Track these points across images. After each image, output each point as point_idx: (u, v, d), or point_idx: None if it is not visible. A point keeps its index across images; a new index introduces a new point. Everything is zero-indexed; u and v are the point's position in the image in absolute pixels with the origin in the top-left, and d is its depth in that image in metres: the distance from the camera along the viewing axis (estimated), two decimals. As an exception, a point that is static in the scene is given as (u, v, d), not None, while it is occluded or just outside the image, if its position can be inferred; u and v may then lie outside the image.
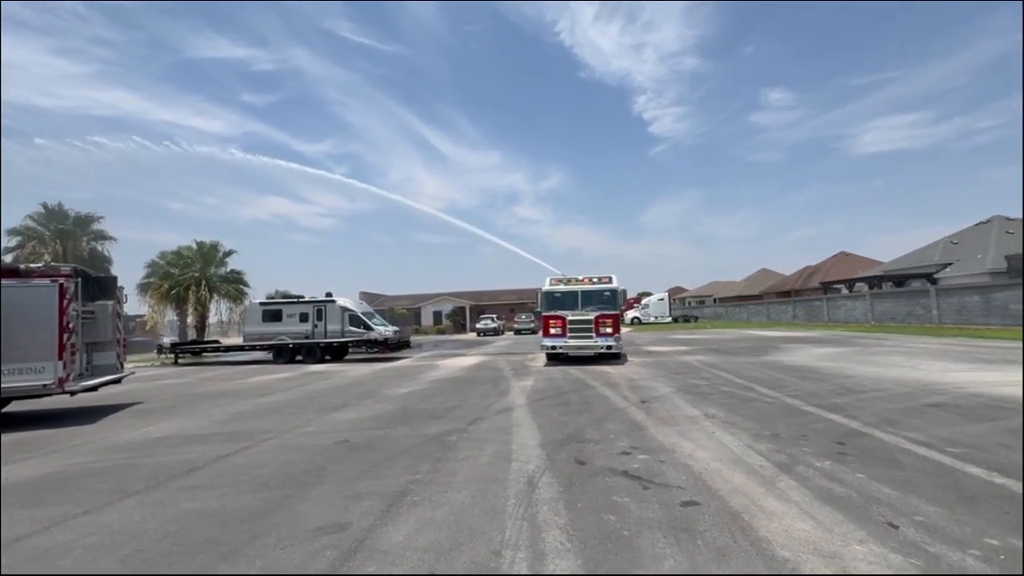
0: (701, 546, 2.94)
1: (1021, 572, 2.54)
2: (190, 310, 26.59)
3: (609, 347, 14.06)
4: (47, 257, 23.56)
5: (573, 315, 14.47)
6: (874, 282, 37.64)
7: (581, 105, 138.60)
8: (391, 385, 11.18)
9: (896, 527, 3.10)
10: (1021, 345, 13.26)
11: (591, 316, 14.33)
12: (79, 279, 8.17)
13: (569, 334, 14.38)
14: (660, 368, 12.35)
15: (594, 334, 14.24)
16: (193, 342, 23.03)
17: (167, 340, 36.55)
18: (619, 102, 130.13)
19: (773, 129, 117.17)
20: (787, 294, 54.56)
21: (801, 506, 3.49)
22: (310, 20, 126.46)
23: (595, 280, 15.12)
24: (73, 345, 7.87)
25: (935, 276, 32.45)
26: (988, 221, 35.04)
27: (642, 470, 4.42)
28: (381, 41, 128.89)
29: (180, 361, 21.24)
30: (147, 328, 28.48)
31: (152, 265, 29.91)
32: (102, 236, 27.31)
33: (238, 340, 27.27)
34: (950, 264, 32.77)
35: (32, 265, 7.83)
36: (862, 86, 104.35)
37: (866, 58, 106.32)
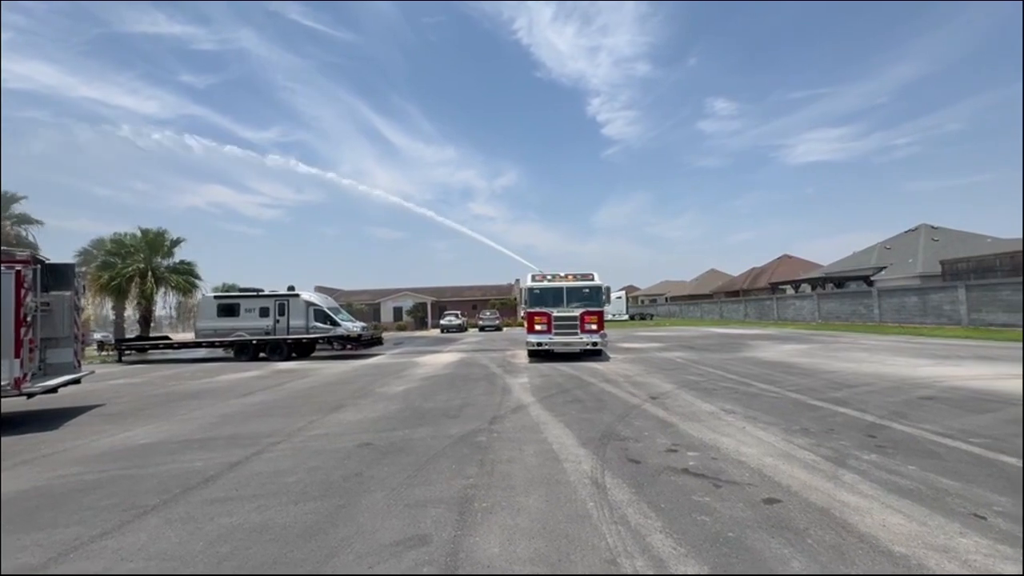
0: (813, 544, 2.90)
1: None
2: (132, 303, 24.40)
3: (595, 344, 14.12)
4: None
5: (559, 312, 14.42)
6: (817, 283, 40.24)
7: (537, 104, 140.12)
8: (380, 383, 10.68)
9: (983, 518, 3.19)
10: (1021, 345, 14.08)
11: (577, 313, 14.34)
12: (38, 266, 7.19)
13: (555, 331, 14.33)
14: (647, 365, 12.53)
15: (579, 331, 14.27)
16: (141, 338, 21.14)
17: (98, 336, 33.53)
18: (574, 103, 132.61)
19: (717, 137, 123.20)
20: (736, 294, 57.40)
21: (879, 500, 3.53)
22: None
23: (578, 277, 15.14)
24: (31, 341, 6.91)
25: (871, 278, 35.12)
26: (916, 229, 38.29)
27: (701, 467, 4.37)
28: (333, 27, 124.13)
29: (125, 359, 19.44)
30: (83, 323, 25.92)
31: (84, 253, 27.26)
32: (25, 220, 24.53)
33: (185, 335, 25.41)
34: (885, 268, 35.57)
35: (-19, 249, 6.80)
36: (797, 100, 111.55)
37: (800, 75, 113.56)
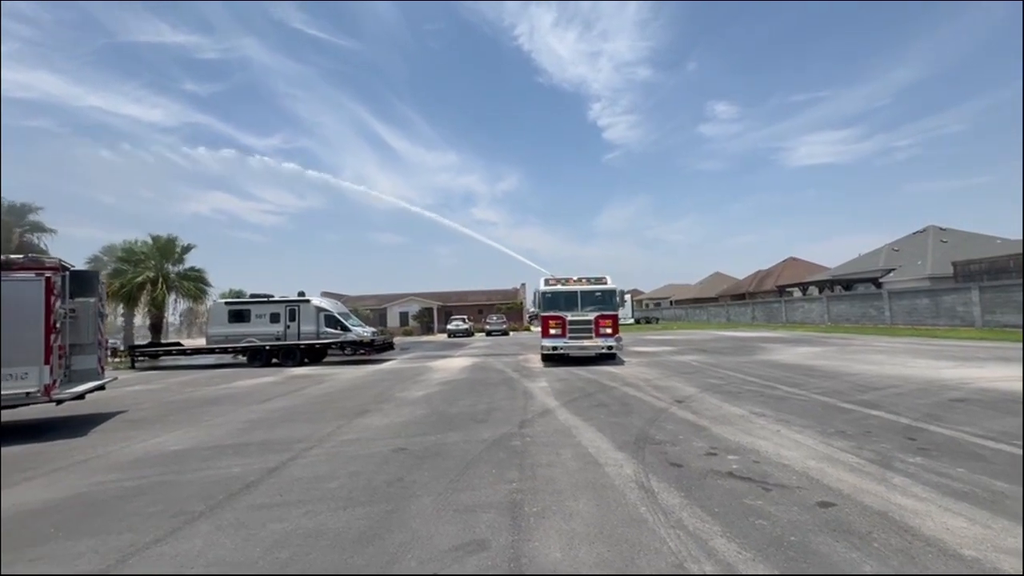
0: (881, 548, 2.87)
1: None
2: (143, 310, 24.49)
3: (610, 347, 14.09)
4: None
5: (573, 315, 14.40)
6: (824, 286, 40.11)
7: (538, 109, 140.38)
8: (399, 388, 10.66)
9: (1048, 520, 3.16)
10: (1022, 346, 14.10)
11: (591, 316, 14.32)
12: (66, 273, 7.22)
13: (569, 335, 14.30)
14: (664, 368, 12.48)
15: (594, 334, 14.23)
16: (154, 344, 21.19)
17: (109, 342, 33.68)
18: (575, 108, 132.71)
19: (718, 140, 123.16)
20: (741, 296, 57.24)
21: (936, 503, 3.50)
22: (260, 9, 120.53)
23: (591, 280, 15.12)
24: (60, 347, 6.94)
25: (880, 280, 34.99)
26: (924, 231, 38.15)
27: (745, 471, 4.34)
28: (335, 35, 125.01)
29: (137, 365, 19.49)
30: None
31: (94, 260, 27.40)
32: (39, 228, 24.68)
33: (193, 342, 25.50)
34: (893, 269, 35.42)
35: (13, 256, 6.83)
36: (797, 103, 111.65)
37: (800, 78, 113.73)
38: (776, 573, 2.63)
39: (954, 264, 26.53)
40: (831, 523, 3.23)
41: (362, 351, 18.73)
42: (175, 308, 25.62)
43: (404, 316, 50.75)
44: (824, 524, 3.21)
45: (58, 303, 6.92)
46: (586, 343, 14.18)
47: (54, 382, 6.81)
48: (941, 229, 37.24)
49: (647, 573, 2.69)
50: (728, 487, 3.96)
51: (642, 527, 3.27)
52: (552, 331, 14.44)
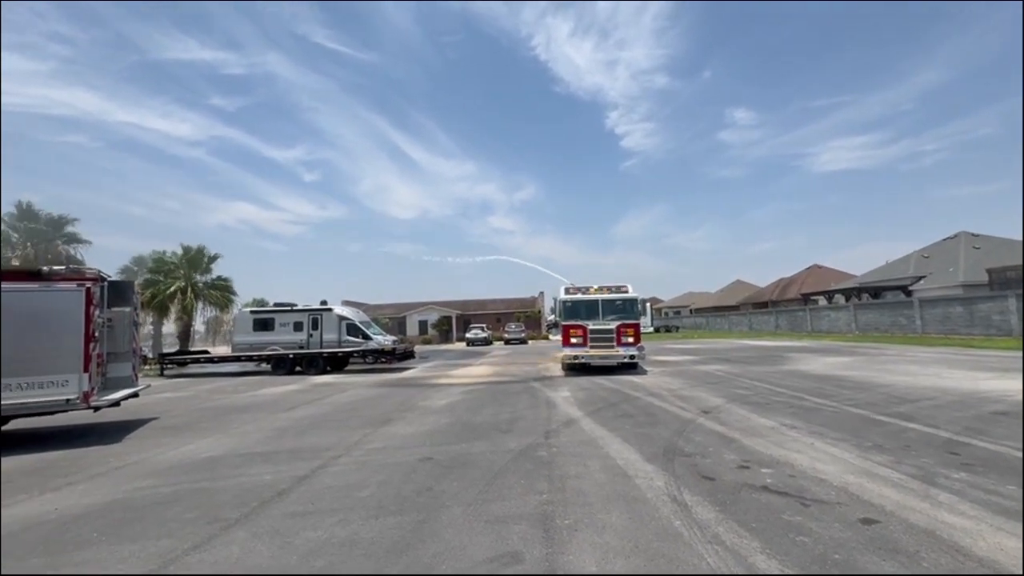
0: (931, 568, 2.76)
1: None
2: (172, 319, 25.18)
3: (632, 357, 13.93)
4: (16, 261, 21.91)
5: (594, 324, 14.31)
6: (851, 293, 39.08)
7: (555, 118, 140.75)
8: (422, 397, 10.71)
9: (1110, 542, 3.00)
10: (1022, 353, 13.78)
11: (613, 326, 14.20)
12: (104, 283, 7.49)
13: (591, 343, 14.21)
14: (687, 378, 12.29)
15: (616, 343, 14.11)
16: (183, 352, 21.75)
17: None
18: (592, 116, 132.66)
19: (737, 147, 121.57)
20: (764, 305, 56.11)
21: (986, 521, 3.36)
22: (284, 24, 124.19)
23: (612, 289, 15.03)
24: (99, 355, 7.18)
25: (910, 288, 33.95)
26: (955, 236, 36.97)
27: (780, 485, 4.23)
28: (356, 49, 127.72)
29: (166, 373, 20.00)
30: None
31: (125, 271, 28.40)
32: (75, 239, 25.66)
33: (220, 349, 26.03)
34: (923, 277, 34.34)
35: (55, 267, 7.11)
36: (819, 108, 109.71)
37: (820, 83, 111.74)
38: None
39: (989, 271, 25.62)
40: (876, 541, 3.12)
41: (383, 359, 18.89)
42: (202, 316, 26.30)
43: (423, 324, 51.06)
44: (869, 542, 3.11)
45: (97, 313, 7.17)
46: (607, 352, 14.06)
47: (92, 389, 7.03)
48: (973, 235, 36.05)
49: (692, 573, 2.65)
50: (764, 501, 3.86)
51: (678, 541, 3.21)
52: (573, 340, 14.36)
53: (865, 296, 37.04)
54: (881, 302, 30.02)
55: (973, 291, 25.62)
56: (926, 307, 24.67)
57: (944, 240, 38.06)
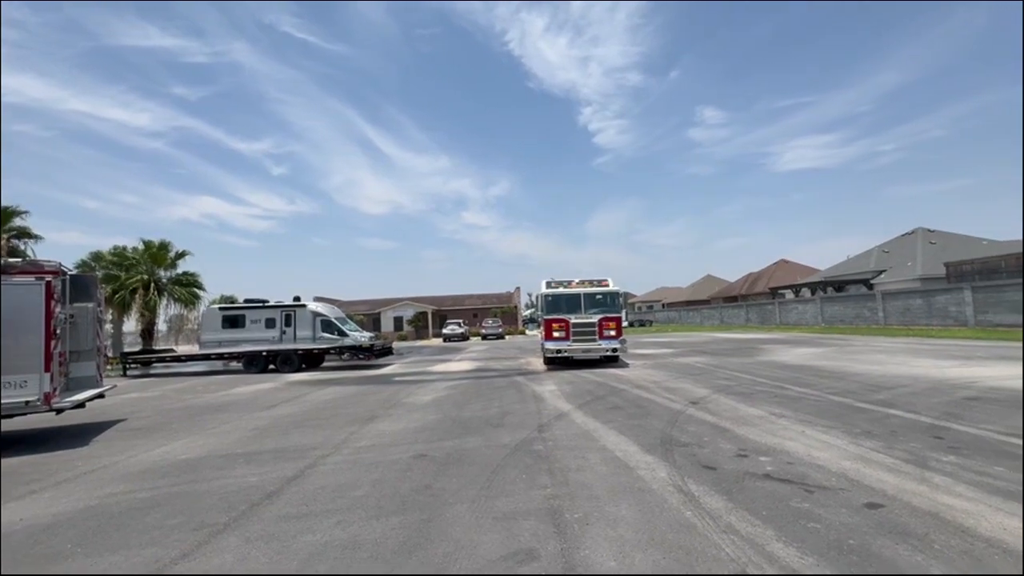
0: (943, 550, 2.80)
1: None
2: (133, 316, 23.99)
3: (614, 350, 14.02)
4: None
5: (576, 318, 14.32)
6: (816, 287, 40.55)
7: (529, 114, 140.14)
8: (405, 393, 10.49)
9: (1103, 519, 3.11)
10: (1021, 345, 14.23)
11: (595, 319, 14.24)
12: (66, 277, 6.99)
13: (573, 337, 14.22)
14: (670, 370, 12.44)
15: (598, 337, 14.17)
16: (147, 351, 20.75)
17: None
18: (565, 113, 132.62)
19: (707, 144, 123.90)
20: (734, 299, 57.70)
21: (984, 502, 3.45)
22: (250, 13, 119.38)
23: (594, 283, 15.09)
24: (61, 354, 6.69)
25: (871, 281, 35.44)
26: (913, 232, 38.75)
27: (782, 473, 4.27)
28: (326, 40, 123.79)
29: (129, 372, 19.05)
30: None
31: (82, 266, 26.83)
32: (26, 233, 24.04)
33: (183, 348, 25.02)
34: (884, 271, 35.90)
35: (11, 260, 6.59)
36: (783, 108, 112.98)
37: (785, 83, 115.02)
38: (842, 574, 2.55)
39: (947, 265, 26.95)
40: (884, 525, 3.16)
41: (361, 356, 18.47)
42: (166, 314, 25.14)
43: (399, 321, 50.38)
44: (878, 526, 3.14)
45: (58, 308, 6.68)
46: (590, 346, 14.11)
47: (54, 390, 6.56)
48: (929, 231, 37.86)
49: (713, 573, 2.60)
50: (769, 489, 3.88)
51: (693, 532, 3.17)
52: (556, 334, 14.34)
53: (830, 289, 38.49)
54: (845, 295, 31.22)
55: (931, 284, 26.90)
56: (888, 299, 25.77)
57: (902, 236, 39.86)
